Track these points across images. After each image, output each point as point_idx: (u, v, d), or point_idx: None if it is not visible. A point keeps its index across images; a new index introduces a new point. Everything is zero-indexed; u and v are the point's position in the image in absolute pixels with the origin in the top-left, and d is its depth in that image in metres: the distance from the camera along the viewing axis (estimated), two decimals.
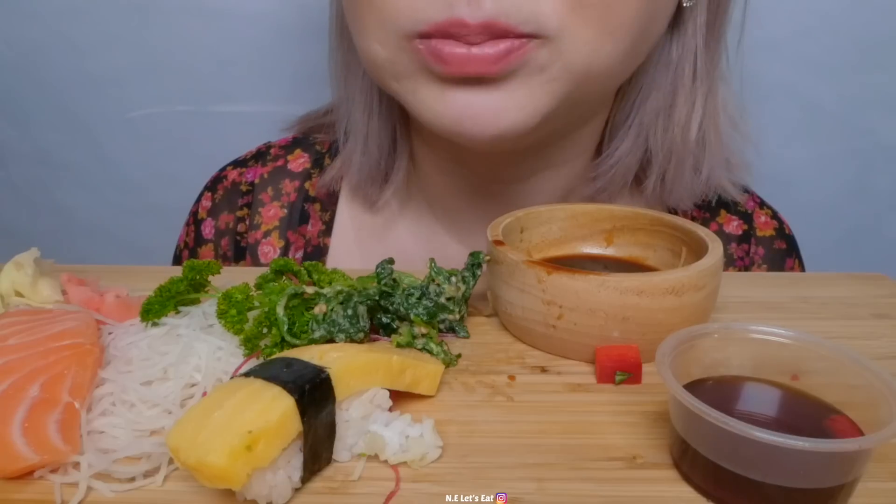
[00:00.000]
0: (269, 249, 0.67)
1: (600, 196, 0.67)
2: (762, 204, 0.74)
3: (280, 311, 0.42)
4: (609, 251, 0.57)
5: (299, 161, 0.69)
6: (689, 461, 0.35)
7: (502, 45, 0.46)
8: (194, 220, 0.72)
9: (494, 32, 0.45)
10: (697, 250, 0.50)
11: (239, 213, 0.68)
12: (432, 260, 0.48)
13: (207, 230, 0.69)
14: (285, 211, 0.67)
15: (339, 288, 0.44)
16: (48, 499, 0.33)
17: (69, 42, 0.90)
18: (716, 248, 0.47)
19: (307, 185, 0.68)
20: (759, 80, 0.95)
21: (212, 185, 0.72)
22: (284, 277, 0.48)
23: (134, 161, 0.97)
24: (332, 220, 0.67)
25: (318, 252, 0.67)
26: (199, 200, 0.72)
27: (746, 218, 0.72)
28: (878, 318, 0.52)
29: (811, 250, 0.77)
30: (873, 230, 1.01)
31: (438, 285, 0.47)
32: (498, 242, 0.49)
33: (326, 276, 0.48)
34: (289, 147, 0.71)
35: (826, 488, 0.32)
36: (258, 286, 0.46)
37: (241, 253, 0.68)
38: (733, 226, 0.71)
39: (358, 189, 0.66)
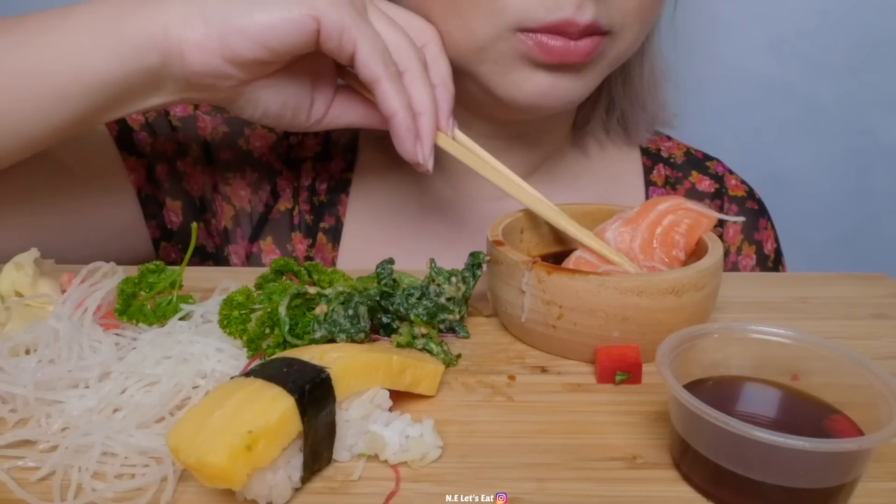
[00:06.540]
0: (306, 173, 0.74)
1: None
2: (731, 171, 0.79)
3: (282, 311, 0.42)
4: None
5: None
6: (689, 461, 0.35)
7: (591, 41, 0.55)
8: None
9: (592, 31, 0.55)
10: (697, 250, 0.50)
11: None
12: (432, 260, 0.48)
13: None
14: (321, 147, 0.74)
15: (340, 288, 0.44)
16: (47, 498, 0.33)
17: None
18: (716, 248, 0.47)
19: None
20: (759, 80, 0.96)
21: None
22: (284, 277, 0.48)
23: None
24: (353, 159, 0.74)
25: (341, 185, 0.73)
26: None
27: (717, 179, 0.77)
28: (878, 318, 0.52)
29: (811, 250, 0.77)
30: (873, 230, 1.02)
31: (438, 285, 0.47)
32: (498, 242, 0.49)
33: (326, 276, 0.48)
34: None
35: (826, 488, 0.32)
36: (258, 286, 0.46)
37: (292, 163, 0.73)
38: (705, 184, 0.77)
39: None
